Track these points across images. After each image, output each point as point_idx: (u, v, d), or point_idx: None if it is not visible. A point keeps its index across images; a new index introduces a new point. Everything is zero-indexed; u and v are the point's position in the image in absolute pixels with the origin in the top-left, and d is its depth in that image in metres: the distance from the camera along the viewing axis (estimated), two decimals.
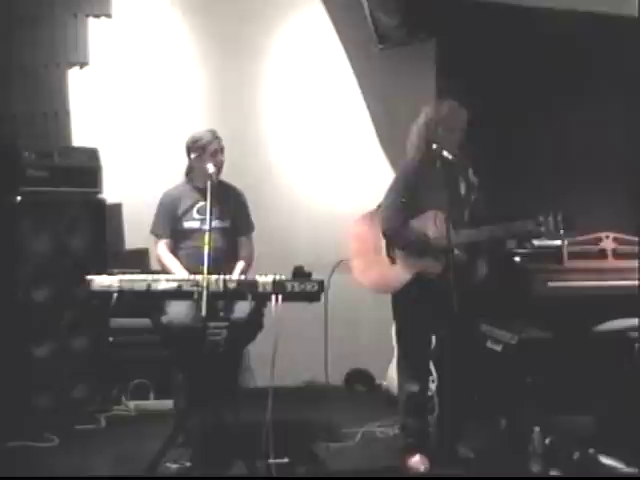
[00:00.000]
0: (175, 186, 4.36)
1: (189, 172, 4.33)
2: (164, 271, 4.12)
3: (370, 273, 4.03)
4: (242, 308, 3.89)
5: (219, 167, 4.20)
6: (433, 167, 3.84)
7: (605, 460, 3.86)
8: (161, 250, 4.26)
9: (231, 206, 4.30)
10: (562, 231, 3.75)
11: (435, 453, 3.99)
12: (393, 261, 3.97)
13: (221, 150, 4.23)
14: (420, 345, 3.99)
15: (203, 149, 4.20)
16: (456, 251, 3.75)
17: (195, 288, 3.59)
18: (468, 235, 3.83)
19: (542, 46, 5.21)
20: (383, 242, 3.99)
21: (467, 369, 3.95)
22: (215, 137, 4.23)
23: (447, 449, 4.00)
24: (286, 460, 3.82)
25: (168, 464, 3.82)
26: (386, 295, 5.18)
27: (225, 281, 3.62)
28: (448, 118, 3.90)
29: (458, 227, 3.82)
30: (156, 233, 4.30)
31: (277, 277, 3.62)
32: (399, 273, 3.93)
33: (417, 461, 3.94)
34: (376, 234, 4.00)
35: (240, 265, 4.21)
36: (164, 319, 3.96)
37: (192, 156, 4.26)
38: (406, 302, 3.96)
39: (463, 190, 3.94)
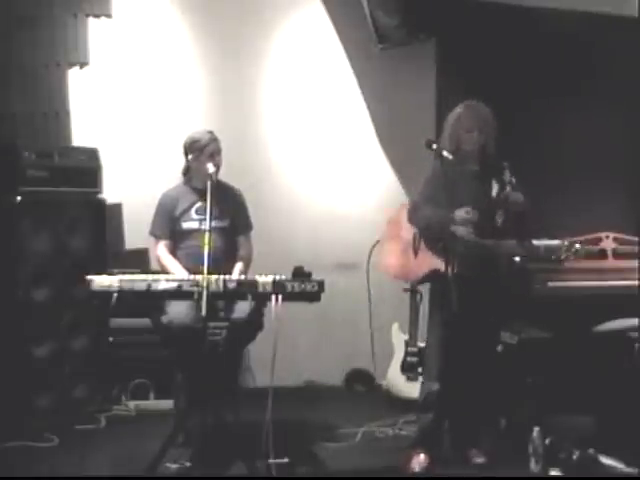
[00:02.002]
0: (173, 187, 4.36)
1: (186, 172, 4.33)
2: (164, 272, 4.12)
3: (395, 259, 4.22)
4: (242, 308, 3.89)
5: (218, 167, 4.19)
6: (462, 167, 3.93)
7: (605, 460, 3.85)
8: (161, 251, 4.25)
9: (229, 206, 4.29)
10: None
11: (447, 456, 4.00)
12: (416, 254, 4.04)
13: (218, 152, 4.22)
14: (443, 344, 3.96)
15: (201, 150, 4.19)
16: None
17: (195, 288, 3.59)
18: (483, 245, 3.86)
19: (542, 46, 5.20)
20: (412, 234, 4.07)
21: (481, 373, 3.96)
22: (213, 139, 4.22)
23: (459, 453, 4.01)
24: (286, 460, 3.81)
25: (168, 464, 3.82)
26: (386, 296, 5.22)
27: (225, 281, 3.62)
28: (462, 117, 3.97)
29: (486, 228, 3.87)
30: (155, 234, 4.29)
31: (277, 277, 3.62)
32: (419, 266, 4.01)
33: (417, 460, 3.94)
34: (411, 225, 4.09)
35: (238, 267, 4.21)
36: (164, 319, 3.96)
37: (190, 157, 4.25)
38: (433, 299, 4.03)
39: (495, 191, 3.92)
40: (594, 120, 5.16)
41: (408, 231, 4.11)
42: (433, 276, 3.94)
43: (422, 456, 3.94)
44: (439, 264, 3.85)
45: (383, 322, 5.24)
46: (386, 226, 4.37)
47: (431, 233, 3.94)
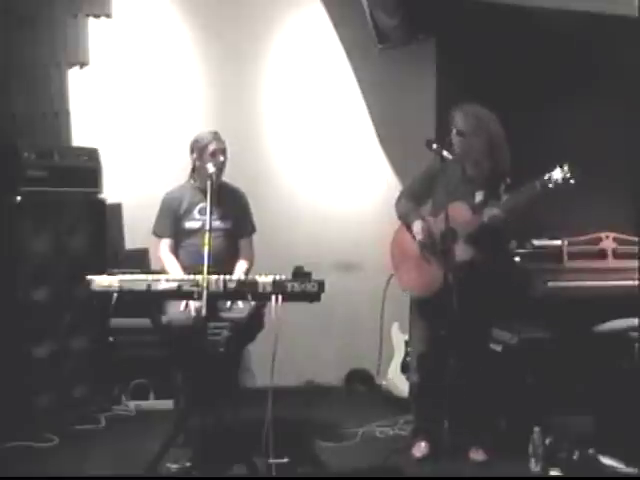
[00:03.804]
0: (178, 187, 4.37)
1: (193, 172, 4.34)
2: (164, 270, 4.13)
3: (411, 278, 4.09)
4: (242, 308, 3.89)
5: (219, 168, 4.19)
6: (454, 170, 4.00)
7: (605, 460, 3.86)
8: (162, 249, 4.26)
9: (233, 208, 4.31)
10: (572, 181, 3.76)
11: (447, 455, 3.97)
12: (429, 261, 3.99)
13: (222, 152, 4.23)
14: (427, 342, 4.02)
15: (203, 150, 4.20)
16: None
17: (195, 288, 3.59)
18: (489, 214, 3.83)
19: (542, 46, 5.20)
20: (416, 246, 4.03)
21: (477, 370, 3.98)
22: (215, 139, 4.23)
23: (460, 451, 4.01)
24: (286, 460, 3.82)
25: (168, 464, 3.83)
26: (386, 295, 5.19)
27: (225, 281, 3.61)
28: (455, 118, 4.01)
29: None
30: (158, 233, 4.30)
31: (277, 277, 3.61)
32: (436, 270, 3.92)
33: (418, 447, 4.04)
34: (413, 240, 4.05)
35: (240, 265, 4.21)
36: (164, 319, 3.97)
37: (193, 156, 4.27)
38: (431, 302, 3.99)
39: (478, 199, 3.93)
40: (594, 120, 5.16)
41: (413, 246, 4.06)
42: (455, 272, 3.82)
43: (423, 444, 4.03)
44: (454, 256, 3.84)
45: (383, 322, 5.24)
46: (391, 256, 4.20)
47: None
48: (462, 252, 3.86)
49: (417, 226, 4.00)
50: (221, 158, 4.21)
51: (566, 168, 3.73)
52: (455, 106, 4.07)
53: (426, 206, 4.19)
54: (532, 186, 3.78)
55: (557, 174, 3.73)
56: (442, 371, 3.98)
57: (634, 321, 4.20)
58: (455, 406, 4.00)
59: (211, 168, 4.08)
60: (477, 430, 4.07)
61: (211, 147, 4.19)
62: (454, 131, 4.00)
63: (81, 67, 5.16)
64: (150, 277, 3.65)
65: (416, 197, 4.14)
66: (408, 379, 4.17)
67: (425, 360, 4.07)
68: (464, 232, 3.87)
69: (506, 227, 3.91)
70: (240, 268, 4.20)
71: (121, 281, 3.59)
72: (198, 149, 4.22)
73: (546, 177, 3.74)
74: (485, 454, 4.01)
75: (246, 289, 3.61)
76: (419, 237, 3.98)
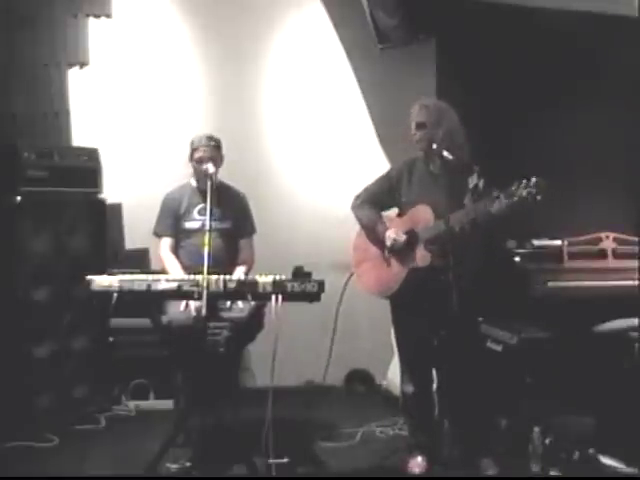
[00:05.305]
0: (178, 187, 4.37)
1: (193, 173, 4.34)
2: (165, 270, 4.13)
3: (370, 278, 4.06)
4: (242, 308, 3.90)
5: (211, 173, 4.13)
6: (425, 167, 3.96)
7: (605, 460, 3.86)
8: (163, 249, 4.26)
9: (232, 208, 4.30)
10: (538, 197, 3.50)
11: (453, 464, 3.94)
12: (389, 263, 3.98)
13: (212, 158, 4.12)
14: (416, 347, 3.97)
15: (192, 154, 4.18)
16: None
17: (195, 288, 3.59)
18: (452, 220, 3.67)
19: (542, 46, 5.20)
20: (381, 247, 4.00)
21: (471, 371, 3.92)
22: (206, 144, 4.17)
23: (467, 461, 3.92)
24: (286, 460, 3.82)
25: (168, 464, 3.83)
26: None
27: (225, 281, 3.61)
28: (411, 116, 3.95)
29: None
30: (158, 233, 4.30)
31: (277, 277, 3.61)
32: (395, 272, 3.94)
33: (415, 463, 3.93)
34: (375, 241, 4.02)
35: (240, 269, 4.21)
36: (164, 319, 3.97)
37: (190, 158, 4.26)
38: (402, 303, 3.96)
39: (460, 191, 3.86)
40: (594, 120, 5.16)
41: (374, 247, 4.04)
42: (413, 277, 3.85)
43: (419, 458, 3.94)
44: (413, 259, 3.84)
45: (383, 322, 5.23)
46: (353, 255, 4.17)
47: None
48: (421, 258, 3.81)
49: (390, 236, 3.90)
50: (213, 165, 4.10)
51: (532, 183, 3.50)
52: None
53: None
54: (497, 198, 3.60)
55: (522, 188, 3.52)
56: (430, 382, 4.01)
57: (634, 321, 4.20)
58: (453, 410, 4.00)
59: (211, 168, 4.06)
60: (488, 441, 3.99)
61: (198, 153, 4.15)
62: (414, 125, 3.92)
63: (81, 67, 5.17)
64: (150, 277, 3.65)
65: (379, 203, 4.07)
66: (401, 390, 4.09)
67: (421, 371, 4.02)
68: (425, 237, 3.81)
69: (472, 233, 3.75)
70: (240, 270, 4.20)
71: (121, 281, 3.59)
72: (193, 152, 4.20)
73: (512, 188, 3.55)
74: (498, 467, 3.88)
75: (246, 289, 3.61)
76: (392, 243, 3.89)
